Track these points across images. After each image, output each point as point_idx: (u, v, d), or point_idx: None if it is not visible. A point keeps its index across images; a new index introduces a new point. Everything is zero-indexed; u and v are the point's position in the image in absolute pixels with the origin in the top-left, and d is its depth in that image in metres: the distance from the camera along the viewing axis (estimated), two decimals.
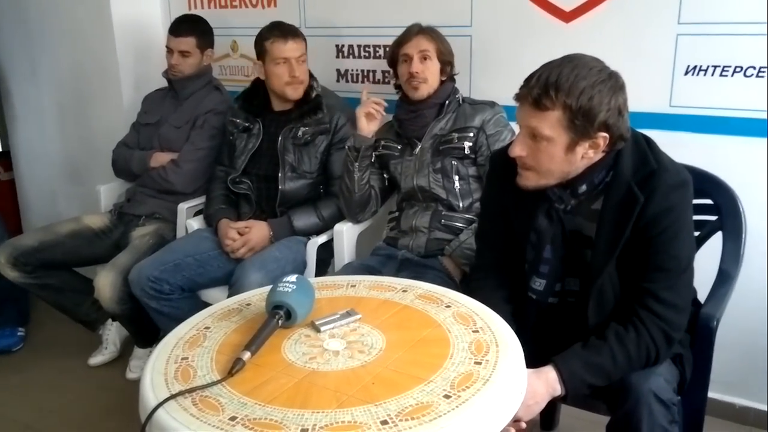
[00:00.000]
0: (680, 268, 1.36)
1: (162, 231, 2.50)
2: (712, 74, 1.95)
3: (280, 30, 2.26)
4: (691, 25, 1.94)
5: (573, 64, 1.32)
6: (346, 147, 2.13)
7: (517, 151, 1.38)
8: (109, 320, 2.64)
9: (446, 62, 2.09)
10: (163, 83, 2.68)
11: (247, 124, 2.38)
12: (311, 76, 2.36)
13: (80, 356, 2.64)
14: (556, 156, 1.35)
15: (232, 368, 1.14)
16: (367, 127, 2.08)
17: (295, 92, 2.28)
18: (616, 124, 1.33)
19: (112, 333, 2.65)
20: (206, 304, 2.10)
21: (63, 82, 3.12)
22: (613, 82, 1.33)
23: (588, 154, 1.36)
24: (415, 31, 2.08)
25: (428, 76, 2.05)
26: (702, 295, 1.58)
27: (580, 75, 1.30)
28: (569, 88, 1.29)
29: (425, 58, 2.05)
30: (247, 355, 1.16)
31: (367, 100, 2.09)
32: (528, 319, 1.50)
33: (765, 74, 1.88)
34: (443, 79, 2.09)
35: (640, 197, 1.33)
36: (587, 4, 2.08)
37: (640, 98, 1.99)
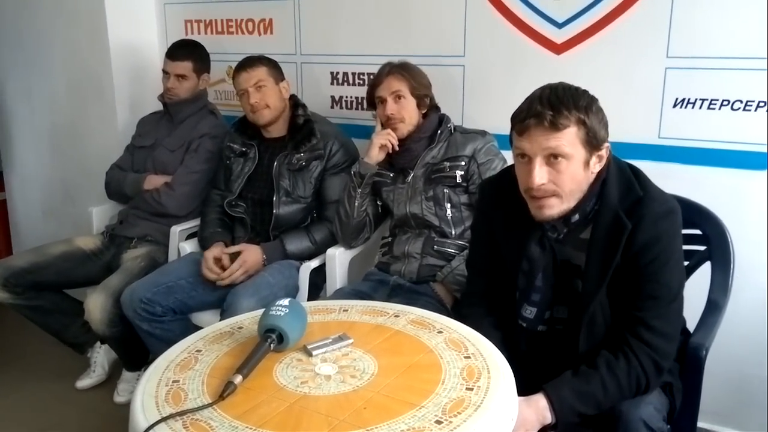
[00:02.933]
0: (670, 296, 1.38)
1: (154, 254, 2.50)
2: (701, 107, 1.99)
3: (239, 64, 2.33)
4: (679, 59, 1.99)
5: (560, 87, 1.37)
6: (351, 173, 2.15)
7: (539, 179, 1.35)
8: (98, 343, 2.62)
9: (421, 96, 2.08)
10: (159, 106, 2.70)
11: (243, 149, 2.40)
12: (298, 102, 2.39)
13: (67, 379, 2.62)
14: (577, 174, 1.36)
15: (224, 391, 1.14)
16: (377, 156, 2.10)
17: (261, 118, 2.31)
18: (608, 136, 1.38)
19: (101, 356, 2.63)
20: (197, 327, 2.12)
21: (58, 104, 3.14)
22: (595, 99, 1.39)
23: (596, 168, 1.39)
24: (385, 72, 2.10)
25: (404, 115, 2.07)
26: (691, 325, 1.60)
27: (576, 93, 1.36)
28: (576, 104, 1.33)
29: (399, 98, 2.06)
30: (238, 379, 1.16)
31: (384, 131, 2.10)
32: (518, 347, 1.50)
33: (752, 107, 1.92)
34: (424, 111, 2.10)
35: (628, 224, 1.35)
36: (578, 37, 2.12)
37: (629, 129, 2.06)
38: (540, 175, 1.35)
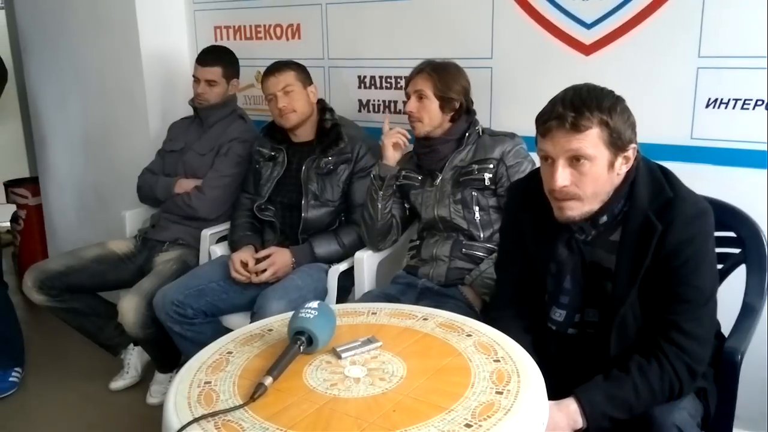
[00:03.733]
0: (703, 299, 1.36)
1: (185, 257, 2.54)
2: (733, 107, 1.95)
3: (267, 69, 2.36)
4: (711, 59, 1.95)
5: (584, 88, 1.36)
6: (371, 176, 2.16)
7: (561, 181, 1.34)
8: (131, 345, 2.66)
9: (446, 99, 2.05)
10: (189, 112, 2.74)
11: (272, 153, 2.43)
12: (326, 106, 2.41)
13: (101, 381, 2.66)
14: (601, 176, 1.35)
15: (255, 393, 1.15)
16: (393, 156, 2.11)
17: (288, 122, 2.33)
18: (636, 136, 1.37)
19: (134, 358, 2.67)
20: (228, 330, 2.15)
21: (91, 110, 3.20)
22: (621, 99, 1.37)
23: (622, 169, 1.37)
24: (417, 69, 2.10)
25: (423, 116, 2.06)
26: (726, 329, 1.57)
27: (600, 94, 1.35)
28: (599, 105, 1.32)
29: (421, 98, 2.06)
30: (269, 380, 1.17)
31: (392, 130, 2.12)
32: (548, 350, 1.49)
33: None
34: (451, 116, 2.08)
35: (658, 226, 1.34)
36: (607, 38, 2.10)
37: (661, 130, 2.03)
38: (562, 177, 1.34)
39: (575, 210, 1.38)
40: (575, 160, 1.33)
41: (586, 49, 2.14)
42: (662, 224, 1.34)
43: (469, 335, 1.39)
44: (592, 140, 1.32)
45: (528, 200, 1.52)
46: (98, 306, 2.59)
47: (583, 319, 1.48)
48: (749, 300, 1.61)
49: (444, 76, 2.07)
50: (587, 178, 1.34)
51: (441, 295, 2.03)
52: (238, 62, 2.70)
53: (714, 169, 2.00)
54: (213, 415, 1.11)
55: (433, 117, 2.07)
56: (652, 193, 1.38)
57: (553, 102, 1.36)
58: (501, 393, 1.15)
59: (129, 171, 2.86)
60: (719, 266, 1.51)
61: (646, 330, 1.39)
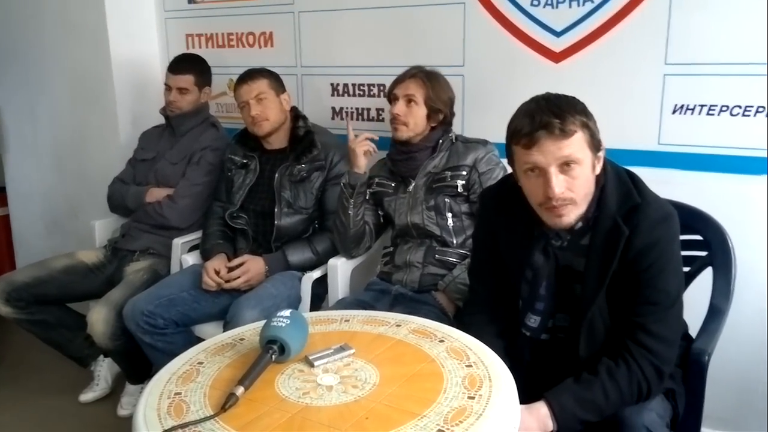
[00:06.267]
0: (669, 301, 1.38)
1: (156, 266, 2.50)
2: (700, 113, 1.99)
3: (240, 77, 2.35)
4: (678, 66, 1.99)
5: (551, 96, 1.39)
6: (342, 184, 2.15)
7: (559, 189, 1.34)
8: (101, 356, 2.62)
9: (435, 109, 2.07)
10: (160, 120, 2.72)
11: (244, 161, 2.41)
12: (299, 114, 2.41)
13: (71, 393, 2.62)
14: (589, 177, 1.38)
15: (226, 403, 1.14)
16: (364, 164, 2.12)
17: (261, 130, 2.33)
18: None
19: (104, 369, 2.63)
20: (200, 340, 2.11)
21: (61, 118, 3.16)
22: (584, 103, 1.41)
23: (597, 170, 1.40)
24: (410, 73, 2.11)
25: (410, 121, 2.06)
26: (693, 330, 1.59)
27: (569, 99, 1.38)
28: (576, 109, 1.35)
29: (410, 102, 2.07)
30: (240, 390, 1.16)
31: (360, 138, 2.12)
32: (521, 356, 1.50)
33: (752, 113, 1.92)
34: (433, 125, 2.10)
35: (625, 230, 1.36)
36: (576, 46, 2.13)
37: (629, 136, 2.07)
38: (559, 184, 1.35)
39: (572, 215, 1.39)
40: (566, 165, 1.35)
41: (556, 57, 2.17)
42: (629, 228, 1.36)
43: (441, 341, 1.39)
44: (578, 143, 1.34)
45: (501, 206, 1.53)
46: (67, 317, 2.55)
47: (554, 325, 1.49)
48: (716, 302, 1.64)
49: (437, 86, 2.08)
50: (578, 181, 1.36)
51: (415, 301, 2.03)
52: (210, 70, 2.68)
53: (681, 174, 2.03)
54: (183, 426, 1.09)
55: (418, 123, 2.08)
56: (620, 198, 1.40)
57: (529, 113, 1.36)
58: (473, 398, 1.16)
59: (99, 180, 2.82)
60: (686, 269, 1.54)
61: (615, 333, 1.40)
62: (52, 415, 2.53)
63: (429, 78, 2.08)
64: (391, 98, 2.12)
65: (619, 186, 1.42)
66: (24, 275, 2.47)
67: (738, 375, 2.01)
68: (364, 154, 2.11)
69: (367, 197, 2.19)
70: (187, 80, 2.58)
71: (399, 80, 2.12)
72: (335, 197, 2.29)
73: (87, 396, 2.60)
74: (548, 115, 1.33)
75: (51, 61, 3.09)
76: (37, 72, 3.17)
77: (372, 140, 2.13)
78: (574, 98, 1.39)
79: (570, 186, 1.36)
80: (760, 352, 2.00)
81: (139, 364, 2.40)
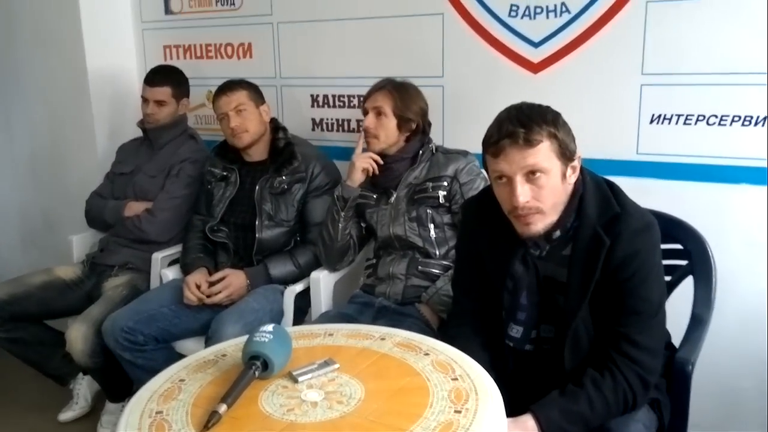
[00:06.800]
0: (652, 310, 1.38)
1: (135, 281, 2.47)
2: (677, 123, 2.02)
3: (219, 88, 2.34)
4: (654, 76, 2.02)
5: (524, 106, 1.40)
6: (335, 196, 2.14)
7: (522, 198, 1.35)
8: (80, 374, 2.57)
9: (404, 119, 2.06)
10: (138, 133, 2.69)
11: (224, 173, 2.39)
12: (279, 125, 2.40)
13: (49, 412, 2.57)
14: (557, 187, 1.38)
15: (208, 422, 1.12)
16: (359, 179, 2.10)
17: (241, 142, 2.31)
18: (576, 147, 1.41)
19: (83, 387, 2.58)
20: (181, 356, 2.09)
21: (37, 132, 3.11)
22: (559, 113, 1.41)
23: (572, 179, 1.41)
24: (378, 86, 2.11)
25: (380, 133, 2.07)
26: (676, 340, 1.60)
27: (540, 109, 1.39)
28: (545, 119, 1.35)
29: (379, 114, 2.07)
30: (223, 408, 1.15)
31: (365, 154, 2.10)
32: (506, 367, 1.50)
33: (727, 122, 1.95)
34: (407, 135, 2.10)
35: (606, 240, 1.37)
36: (554, 56, 2.15)
37: (607, 146, 2.09)
38: (523, 193, 1.36)
39: (539, 224, 1.40)
40: (531, 174, 1.36)
41: (534, 68, 2.19)
42: (609, 238, 1.37)
43: (426, 354, 1.38)
44: (545, 153, 1.35)
45: (482, 217, 1.54)
46: (44, 335, 2.50)
47: (539, 335, 1.49)
48: (698, 311, 1.65)
49: (404, 96, 2.08)
50: (545, 190, 1.37)
51: (398, 313, 2.02)
52: (187, 81, 2.66)
53: (660, 183, 2.06)
54: None
55: (389, 135, 2.08)
56: (599, 208, 1.41)
57: (498, 122, 1.38)
58: (459, 412, 1.15)
59: (76, 193, 2.79)
60: (667, 278, 1.55)
61: (599, 343, 1.41)
62: None
63: (397, 89, 2.08)
64: (364, 112, 2.12)
65: (598, 195, 1.43)
66: (0, 292, 2.41)
67: (722, 383, 2.02)
68: (362, 171, 2.10)
69: None
70: (164, 92, 2.56)
71: (369, 94, 2.12)
72: (316, 209, 2.28)
73: (66, 415, 2.55)
74: (515, 125, 1.34)
75: (26, 74, 3.05)
76: (12, 84, 3.12)
77: (377, 161, 2.10)
78: (547, 108, 1.40)
79: (536, 195, 1.37)
80: (743, 360, 2.02)
81: (119, 381, 2.36)
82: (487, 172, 1.46)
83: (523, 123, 1.34)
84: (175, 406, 1.21)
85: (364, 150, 2.12)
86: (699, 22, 1.93)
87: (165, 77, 2.58)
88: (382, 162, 2.10)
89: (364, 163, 2.09)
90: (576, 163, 1.41)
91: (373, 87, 2.12)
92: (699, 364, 1.53)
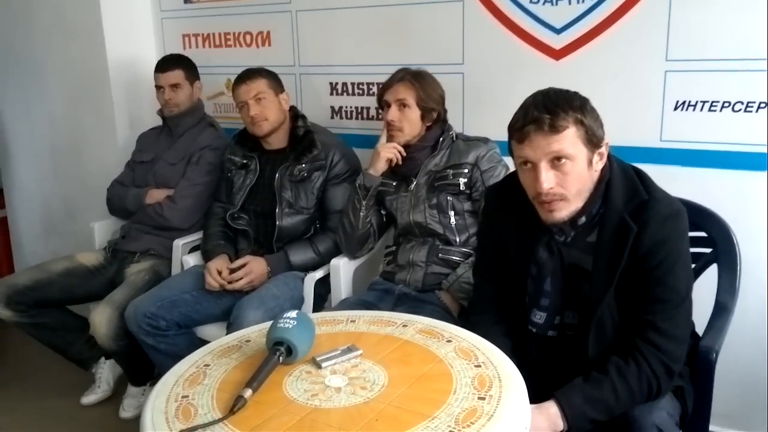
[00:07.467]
0: (679, 298, 1.37)
1: (157, 267, 2.49)
2: (701, 109, 1.99)
3: (238, 77, 2.34)
4: (679, 62, 1.99)
5: (551, 91, 1.39)
6: (356, 185, 2.14)
7: (547, 184, 1.35)
8: (102, 358, 2.61)
9: (428, 109, 2.06)
10: (157, 122, 2.71)
11: (244, 161, 2.40)
12: (298, 113, 2.40)
13: (72, 395, 2.60)
14: (582, 174, 1.37)
15: (234, 406, 1.13)
16: (382, 168, 2.10)
17: (260, 130, 2.31)
18: (604, 134, 1.40)
19: (105, 371, 2.61)
20: (203, 341, 2.11)
21: (57, 121, 3.13)
22: (587, 99, 1.40)
23: (598, 166, 1.39)
24: (398, 77, 2.09)
25: (404, 125, 2.06)
26: (699, 328, 1.59)
27: (568, 95, 1.37)
28: (571, 105, 1.34)
29: (403, 106, 2.05)
30: (248, 393, 1.16)
31: (390, 144, 2.08)
32: (528, 353, 1.50)
33: (753, 108, 1.92)
34: (428, 125, 2.09)
35: (633, 227, 1.35)
36: (577, 42, 2.13)
37: (631, 133, 2.06)
38: (547, 179, 1.35)
39: (563, 210, 1.39)
40: (557, 160, 1.35)
41: (556, 54, 2.17)
42: (637, 225, 1.35)
43: (449, 341, 1.38)
44: (570, 139, 1.34)
45: (506, 203, 1.53)
46: (68, 320, 2.53)
47: (563, 322, 1.48)
48: (722, 299, 1.63)
49: (426, 86, 2.07)
50: (570, 177, 1.36)
51: (418, 300, 2.02)
52: (196, 66, 2.67)
53: (684, 170, 2.03)
54: (192, 429, 1.09)
55: (413, 126, 2.07)
56: (626, 195, 1.40)
57: (525, 108, 1.37)
58: (483, 398, 1.15)
59: (97, 182, 2.81)
60: (692, 266, 1.53)
61: (624, 331, 1.40)
62: (53, 417, 2.51)
63: (417, 79, 2.07)
64: (382, 104, 2.11)
65: (625, 182, 1.41)
66: (24, 278, 2.45)
67: (745, 372, 2.01)
68: (387, 161, 2.09)
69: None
70: (177, 75, 2.57)
71: (387, 85, 2.10)
72: (336, 197, 2.29)
73: (89, 398, 2.58)
74: (540, 111, 1.33)
75: (47, 63, 3.07)
76: (34, 74, 3.14)
77: (400, 152, 2.09)
78: (575, 93, 1.39)
79: (560, 181, 1.36)
80: (763, 348, 2.00)
81: (141, 365, 2.40)
82: (513, 158, 1.45)
83: (549, 109, 1.33)
84: (201, 390, 1.23)
85: (388, 140, 2.10)
86: (724, 6, 1.90)
87: (175, 62, 2.61)
88: (404, 153, 2.09)
89: (389, 153, 2.08)
90: (603, 150, 1.39)
91: (391, 78, 2.10)
92: (722, 353, 1.51)
